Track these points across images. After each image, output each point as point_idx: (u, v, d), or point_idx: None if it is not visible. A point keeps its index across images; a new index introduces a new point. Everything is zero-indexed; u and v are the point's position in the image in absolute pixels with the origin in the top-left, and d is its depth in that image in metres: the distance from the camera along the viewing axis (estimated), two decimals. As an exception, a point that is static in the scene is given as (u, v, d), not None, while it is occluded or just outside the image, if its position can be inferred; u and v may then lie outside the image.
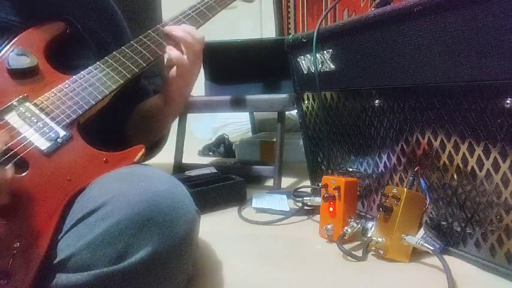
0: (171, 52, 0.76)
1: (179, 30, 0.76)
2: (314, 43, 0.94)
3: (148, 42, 0.78)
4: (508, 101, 0.60)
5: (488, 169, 0.64)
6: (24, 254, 0.51)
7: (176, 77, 0.77)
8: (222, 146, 1.85)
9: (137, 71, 0.74)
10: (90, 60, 0.73)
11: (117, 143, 0.88)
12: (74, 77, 0.69)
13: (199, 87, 1.55)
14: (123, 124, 0.87)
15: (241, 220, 0.97)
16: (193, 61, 0.76)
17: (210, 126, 2.16)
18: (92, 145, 0.64)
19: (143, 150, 0.66)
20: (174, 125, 1.46)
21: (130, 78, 0.73)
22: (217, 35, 1.51)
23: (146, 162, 0.69)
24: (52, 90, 0.66)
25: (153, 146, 0.93)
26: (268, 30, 2.36)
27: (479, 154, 0.65)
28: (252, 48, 1.43)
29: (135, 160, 0.64)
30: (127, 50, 0.75)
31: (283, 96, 1.20)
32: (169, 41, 0.77)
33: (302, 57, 1.03)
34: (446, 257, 0.68)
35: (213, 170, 1.18)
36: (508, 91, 0.60)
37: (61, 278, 0.51)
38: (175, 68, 0.77)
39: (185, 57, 0.75)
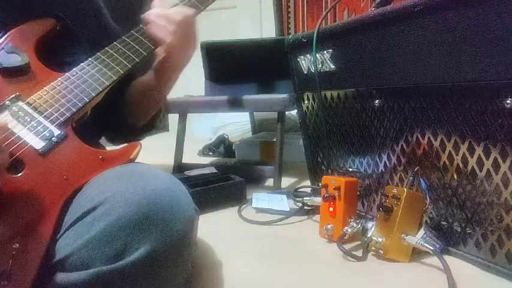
0: (152, 29, 0.74)
1: (152, 15, 0.75)
2: (314, 43, 0.94)
3: (141, 37, 0.76)
4: (508, 101, 0.60)
5: (488, 169, 0.64)
6: (23, 254, 0.51)
7: (166, 56, 0.75)
8: (222, 146, 1.85)
9: (130, 66, 0.72)
10: (82, 56, 0.72)
11: (112, 130, 0.86)
12: (67, 74, 0.68)
13: (199, 87, 1.55)
14: (118, 110, 0.86)
15: (241, 220, 0.97)
16: (180, 37, 0.74)
17: (210, 126, 2.16)
18: (88, 139, 0.64)
19: (139, 147, 0.65)
20: (174, 125, 1.46)
21: (124, 74, 0.71)
22: (217, 35, 1.51)
23: (145, 160, 0.69)
24: (44, 88, 0.65)
25: (149, 124, 0.91)
26: (268, 30, 2.36)
27: (479, 154, 0.65)
28: (252, 48, 1.43)
29: (131, 157, 0.64)
30: (119, 46, 0.74)
31: (283, 96, 1.20)
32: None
33: (302, 57, 1.03)
34: (446, 257, 0.68)
35: (213, 170, 1.18)
36: (508, 91, 0.60)
37: (60, 276, 0.51)
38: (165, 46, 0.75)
39: (168, 35, 0.73)
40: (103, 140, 0.89)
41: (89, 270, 0.50)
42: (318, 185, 1.02)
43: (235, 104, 1.30)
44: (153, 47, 0.76)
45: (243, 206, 1.06)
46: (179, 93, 1.56)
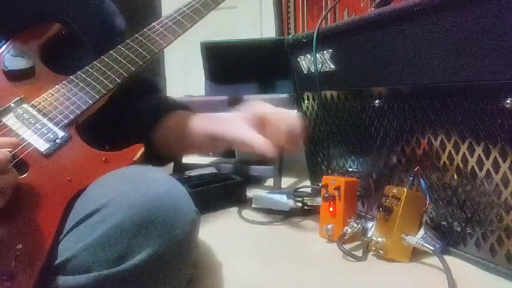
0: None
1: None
2: (314, 43, 0.94)
3: (144, 41, 0.77)
4: (508, 101, 0.60)
5: (488, 169, 0.64)
6: (27, 255, 0.51)
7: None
8: (222, 146, 1.84)
9: (134, 69, 0.73)
10: (87, 60, 0.73)
11: (117, 138, 0.87)
12: (71, 77, 0.68)
13: (199, 87, 1.55)
14: (122, 118, 0.86)
15: (241, 220, 0.97)
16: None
17: (210, 126, 2.16)
18: (92, 143, 0.64)
19: (142, 149, 0.66)
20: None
21: (127, 77, 0.72)
22: (217, 35, 1.51)
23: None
24: (49, 91, 0.66)
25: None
26: (268, 30, 2.36)
27: (479, 154, 0.65)
28: (252, 48, 1.43)
29: (134, 159, 0.64)
30: (123, 49, 0.75)
31: (283, 96, 1.20)
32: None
33: (302, 57, 1.02)
34: (446, 257, 0.68)
35: (213, 170, 1.18)
36: (508, 91, 0.60)
37: (61, 280, 0.51)
38: None
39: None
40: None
41: (90, 273, 0.50)
42: (318, 185, 1.02)
43: (235, 104, 1.30)
44: (156, 51, 0.77)
45: (243, 206, 1.06)
46: (179, 93, 1.56)
